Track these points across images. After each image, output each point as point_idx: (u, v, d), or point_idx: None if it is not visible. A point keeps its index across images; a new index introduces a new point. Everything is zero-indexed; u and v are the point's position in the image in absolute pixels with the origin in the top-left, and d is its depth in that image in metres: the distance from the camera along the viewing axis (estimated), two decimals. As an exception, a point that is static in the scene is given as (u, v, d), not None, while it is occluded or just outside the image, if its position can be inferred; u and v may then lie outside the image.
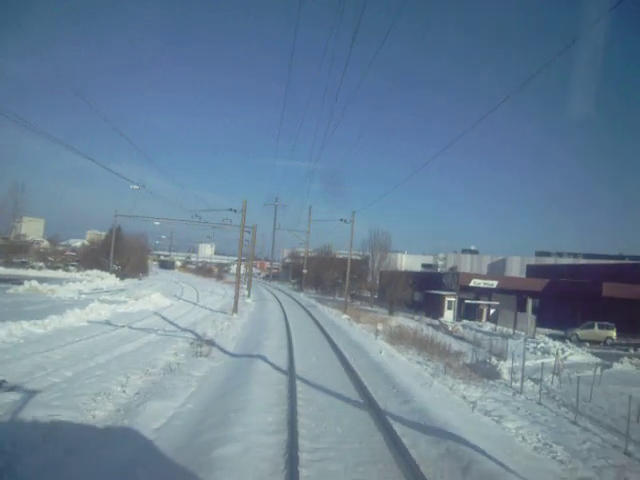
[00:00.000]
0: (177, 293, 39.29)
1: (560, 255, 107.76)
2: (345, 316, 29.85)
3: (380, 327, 20.04)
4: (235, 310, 25.75)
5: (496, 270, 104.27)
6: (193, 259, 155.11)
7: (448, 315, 42.50)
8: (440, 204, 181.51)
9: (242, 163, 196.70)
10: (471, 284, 42.75)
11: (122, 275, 50.12)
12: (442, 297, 42.32)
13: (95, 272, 45.64)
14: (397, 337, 25.43)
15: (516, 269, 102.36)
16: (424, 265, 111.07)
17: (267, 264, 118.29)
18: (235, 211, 26.24)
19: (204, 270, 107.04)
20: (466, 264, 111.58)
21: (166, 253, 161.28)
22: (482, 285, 43.08)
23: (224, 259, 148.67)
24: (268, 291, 56.40)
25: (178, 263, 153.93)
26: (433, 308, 42.11)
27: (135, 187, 46.28)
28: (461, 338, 30.60)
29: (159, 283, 53.71)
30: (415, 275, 48.03)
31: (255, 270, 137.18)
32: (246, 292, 49.21)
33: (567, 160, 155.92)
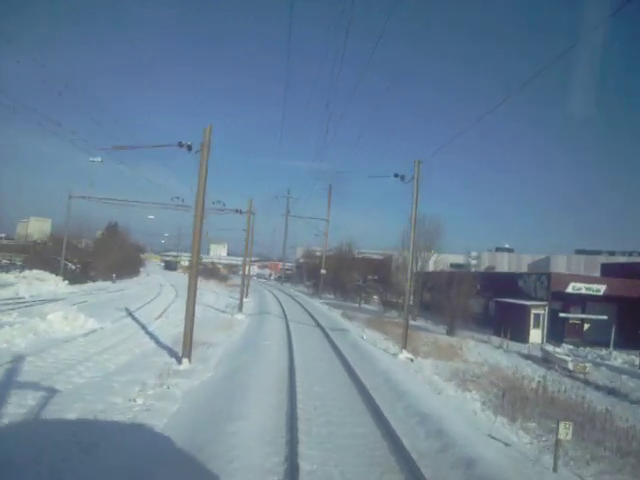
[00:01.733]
0: (137, 305, 25.89)
1: (612, 254, 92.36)
2: (405, 354, 15.82)
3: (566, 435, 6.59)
4: (187, 353, 12.02)
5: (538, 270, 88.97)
6: (205, 260, 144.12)
7: (535, 335, 28.48)
8: (461, 201, 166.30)
9: (243, 163, 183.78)
10: (568, 290, 28.61)
11: (78, 277, 37.10)
12: (527, 309, 28.26)
13: (35, 273, 32.64)
14: (511, 399, 11.89)
15: (561, 269, 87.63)
16: (453, 265, 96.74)
17: (280, 265, 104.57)
18: (189, 148, 12.72)
19: (208, 271, 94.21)
20: (503, 263, 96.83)
21: (174, 254, 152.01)
22: (583, 291, 28.91)
23: (238, 260, 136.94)
24: (275, 298, 42.78)
25: (187, 264, 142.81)
26: (512, 325, 28.04)
27: (96, 160, 33.77)
28: (611, 391, 16.61)
29: (133, 288, 40.52)
30: (479, 277, 33.92)
31: (267, 271, 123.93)
32: (245, 300, 35.72)
33: (590, 157, 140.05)
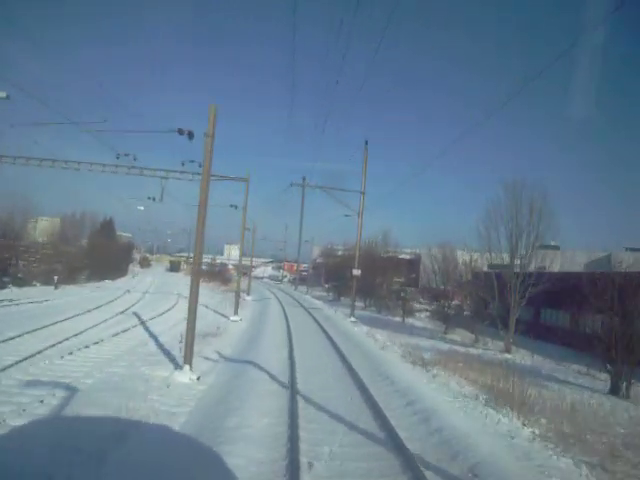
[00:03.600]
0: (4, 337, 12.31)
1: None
2: None
3: None
4: None
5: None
6: (219, 260, 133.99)
7: None
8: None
9: (244, 164, 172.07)
10: None
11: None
12: None
13: None
14: None
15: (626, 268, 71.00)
16: (492, 266, 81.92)
17: (295, 266, 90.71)
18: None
19: (212, 273, 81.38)
20: (555, 263, 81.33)
21: (185, 254, 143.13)
22: None
23: (251, 261, 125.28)
24: (282, 311, 28.58)
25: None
26: None
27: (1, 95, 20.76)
28: None
29: (73, 297, 27.11)
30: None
31: (281, 272, 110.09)
32: (233, 319, 22.19)
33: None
